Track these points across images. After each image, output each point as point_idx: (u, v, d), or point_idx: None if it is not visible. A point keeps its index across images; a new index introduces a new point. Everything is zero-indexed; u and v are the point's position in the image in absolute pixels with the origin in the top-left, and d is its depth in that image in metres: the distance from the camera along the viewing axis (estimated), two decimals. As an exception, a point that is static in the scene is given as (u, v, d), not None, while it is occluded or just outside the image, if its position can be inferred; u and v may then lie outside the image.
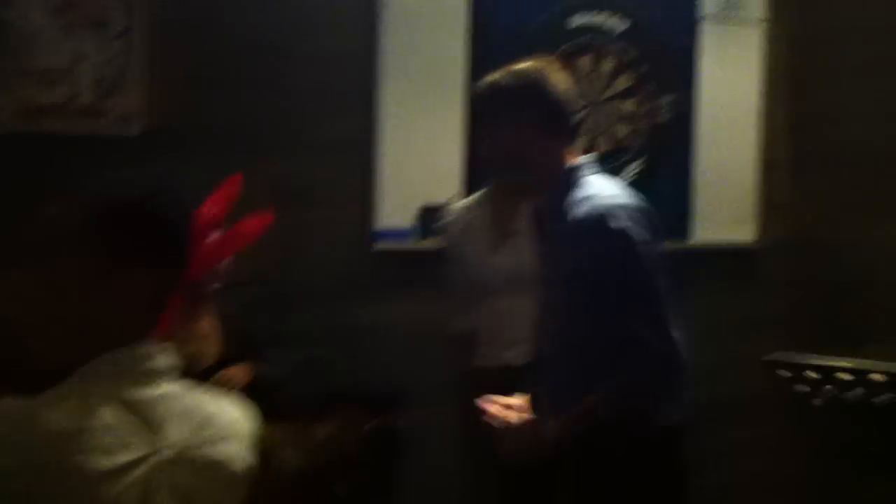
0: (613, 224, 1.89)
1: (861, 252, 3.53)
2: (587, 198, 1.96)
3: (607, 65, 3.54)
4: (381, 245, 3.23)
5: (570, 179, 2.02)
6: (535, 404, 2.07)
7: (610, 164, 3.54)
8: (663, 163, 3.68)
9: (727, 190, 3.79)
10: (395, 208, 3.24)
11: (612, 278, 1.90)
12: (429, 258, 3.06)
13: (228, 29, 3.02)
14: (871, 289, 3.43)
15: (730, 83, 3.78)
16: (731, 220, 3.81)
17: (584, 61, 3.51)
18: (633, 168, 3.61)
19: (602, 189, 2.00)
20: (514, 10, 3.38)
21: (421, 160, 3.26)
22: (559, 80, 2.08)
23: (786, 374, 1.63)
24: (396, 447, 2.65)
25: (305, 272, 3.07)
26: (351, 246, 3.21)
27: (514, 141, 2.03)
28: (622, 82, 3.57)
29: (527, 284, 2.37)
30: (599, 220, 1.90)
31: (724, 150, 3.79)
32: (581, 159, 2.09)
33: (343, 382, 2.76)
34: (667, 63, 3.64)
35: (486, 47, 3.32)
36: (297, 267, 3.04)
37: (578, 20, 3.50)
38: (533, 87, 2.04)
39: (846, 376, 1.58)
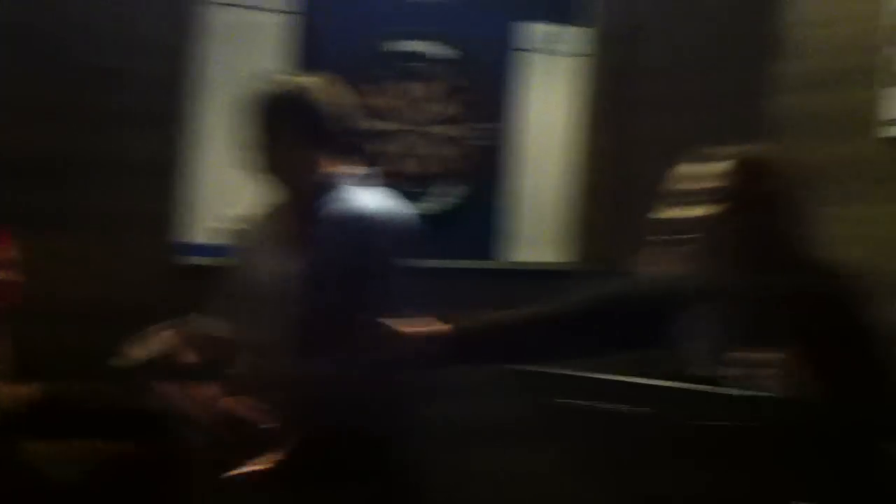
0: (361, 232, 2.01)
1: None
2: (342, 207, 2.07)
3: (433, 90, 3.66)
4: (190, 260, 3.25)
5: (331, 190, 2.11)
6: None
7: (436, 188, 3.70)
8: (486, 186, 3.84)
9: (545, 213, 3.98)
10: (204, 224, 3.25)
11: (352, 282, 1.99)
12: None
13: (43, 52, 2.99)
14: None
15: (548, 112, 3.98)
16: (548, 241, 3.99)
17: (411, 87, 3.62)
18: (459, 191, 3.75)
19: (358, 199, 2.11)
20: (339, 33, 3.47)
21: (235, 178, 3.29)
22: (331, 94, 2.17)
23: (543, 384, 1.77)
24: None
25: (112, 290, 3.06)
26: (159, 262, 3.23)
27: (275, 149, 2.14)
28: (447, 107, 3.70)
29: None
30: (350, 227, 2.02)
31: (542, 175, 3.98)
32: (346, 171, 2.18)
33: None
34: (490, 91, 3.80)
35: (310, 71, 3.39)
36: (104, 286, 3.03)
37: (405, 46, 3.61)
38: (295, 97, 2.15)
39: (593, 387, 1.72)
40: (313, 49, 3.44)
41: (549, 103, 3.98)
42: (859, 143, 3.18)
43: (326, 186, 2.15)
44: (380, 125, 3.59)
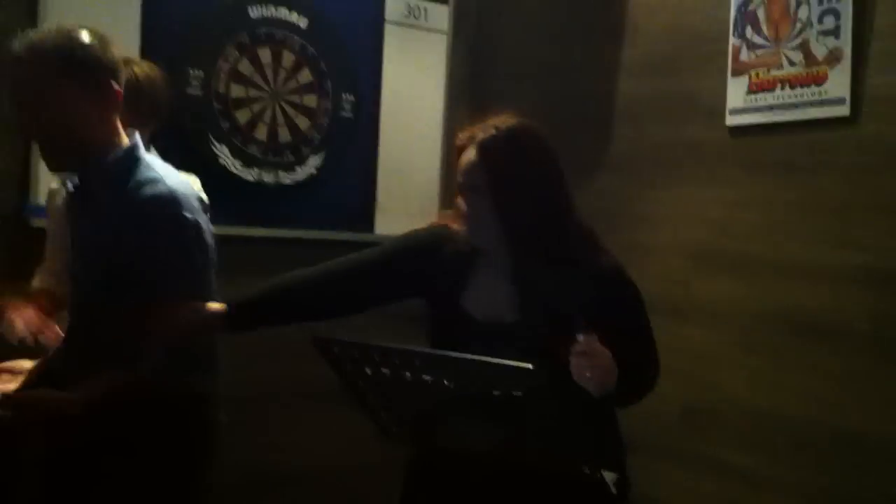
0: (185, 211, 1.95)
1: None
2: (154, 179, 1.97)
3: (288, 59, 3.61)
4: (38, 221, 3.15)
5: (127, 155, 2.00)
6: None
7: (290, 155, 3.66)
8: (347, 156, 3.81)
9: (410, 185, 3.98)
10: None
11: (165, 256, 1.96)
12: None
13: None
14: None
15: (414, 84, 3.98)
16: (413, 213, 3.99)
17: (264, 53, 3.57)
18: (315, 161, 3.72)
19: (168, 173, 2.03)
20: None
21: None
22: (108, 48, 1.97)
23: (336, 352, 1.77)
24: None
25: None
26: (6, 222, 3.13)
27: (47, 104, 1.91)
28: (303, 77, 3.66)
29: None
30: (170, 204, 1.95)
31: (408, 147, 3.98)
32: (136, 136, 2.04)
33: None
34: (349, 62, 3.77)
35: (160, 34, 3.33)
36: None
37: (258, 12, 3.55)
38: (71, 47, 1.90)
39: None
40: (164, 16, 3.36)
41: (411, 76, 3.98)
42: (702, 129, 3.26)
43: (127, 153, 2.03)
44: (236, 92, 3.53)
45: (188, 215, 1.96)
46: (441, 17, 4.03)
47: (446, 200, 4.08)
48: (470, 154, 1.96)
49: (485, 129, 1.98)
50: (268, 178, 3.61)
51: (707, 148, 3.26)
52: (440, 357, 1.71)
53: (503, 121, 1.99)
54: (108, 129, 2.00)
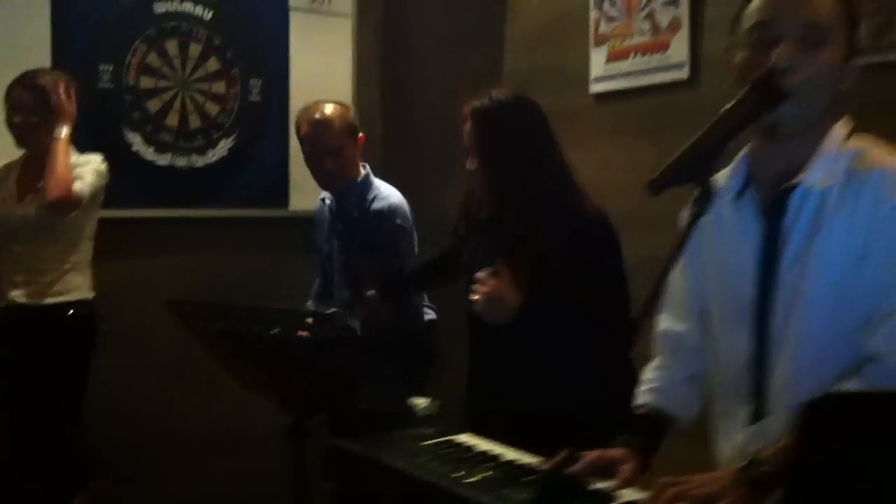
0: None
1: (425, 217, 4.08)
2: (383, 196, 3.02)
3: (194, 49, 3.87)
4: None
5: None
6: None
7: (202, 140, 3.92)
8: (259, 139, 4.07)
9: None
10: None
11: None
12: None
13: None
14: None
15: (323, 67, 4.23)
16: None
17: (171, 45, 3.82)
18: (227, 143, 3.98)
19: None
20: (97, -5, 3.65)
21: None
22: None
23: (188, 311, 2.05)
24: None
25: None
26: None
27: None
28: (210, 65, 3.91)
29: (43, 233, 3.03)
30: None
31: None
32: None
33: None
34: (255, 49, 4.02)
35: (69, 31, 3.58)
36: None
37: (163, 7, 3.80)
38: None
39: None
40: (73, 15, 3.61)
41: (319, 59, 4.23)
42: (572, 97, 3.51)
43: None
44: (146, 84, 3.79)
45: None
46: (345, 1, 4.27)
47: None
48: (466, 124, 2.31)
49: (481, 99, 2.31)
50: (180, 162, 3.88)
51: (577, 114, 3.52)
52: (258, 308, 1.98)
53: (498, 92, 2.34)
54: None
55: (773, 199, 1.53)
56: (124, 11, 3.73)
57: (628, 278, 3.47)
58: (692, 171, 1.34)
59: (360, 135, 3.17)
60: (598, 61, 3.39)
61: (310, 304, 3.39)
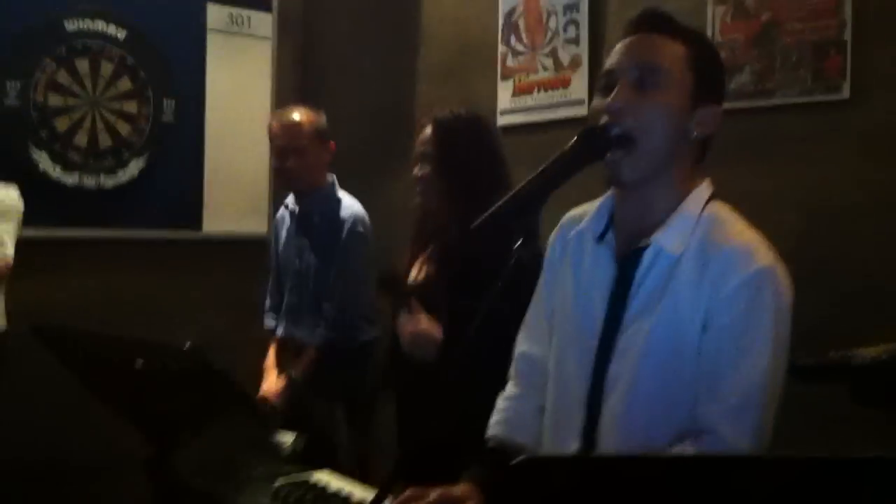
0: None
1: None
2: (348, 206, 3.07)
3: (106, 68, 3.84)
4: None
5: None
6: None
7: (112, 160, 3.88)
8: (172, 160, 4.05)
9: (238, 185, 4.23)
10: None
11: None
12: None
13: None
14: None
15: (241, 89, 4.23)
16: (242, 212, 4.25)
17: (82, 64, 3.79)
18: (138, 164, 3.95)
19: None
20: (8, 11, 3.62)
21: None
22: None
23: (54, 338, 2.02)
24: None
25: None
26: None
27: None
28: (122, 84, 3.89)
29: None
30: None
31: (236, 148, 4.23)
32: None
33: None
34: (170, 69, 4.01)
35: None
36: None
37: (74, 25, 3.77)
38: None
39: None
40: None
41: (237, 81, 4.23)
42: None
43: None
44: (54, 101, 3.75)
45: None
46: (265, 24, 4.28)
47: (276, 201, 4.33)
48: (426, 131, 2.38)
49: (442, 111, 2.42)
50: (89, 182, 3.84)
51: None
52: (126, 339, 1.97)
53: (459, 108, 2.45)
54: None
55: (625, 252, 1.56)
56: (34, 29, 3.69)
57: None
58: (515, 216, 1.37)
59: (331, 143, 3.20)
60: (504, 94, 3.44)
61: (268, 320, 3.34)
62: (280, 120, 3.17)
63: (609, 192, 1.62)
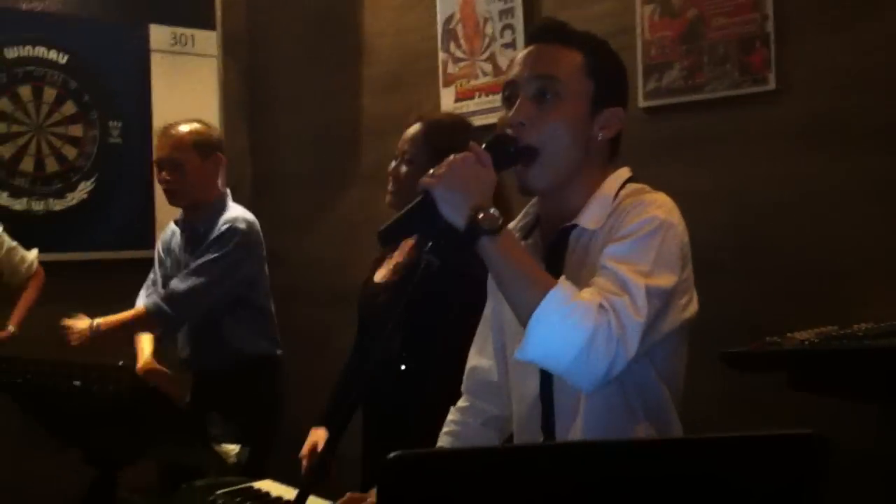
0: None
1: (296, 261, 4.10)
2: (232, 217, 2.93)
3: (49, 93, 3.84)
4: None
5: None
6: None
7: (59, 183, 3.87)
8: (120, 180, 4.04)
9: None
10: None
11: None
12: None
13: None
14: (296, 293, 3.99)
15: (188, 108, 4.20)
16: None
17: (24, 90, 3.79)
18: (87, 186, 3.95)
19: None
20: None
21: None
22: None
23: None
24: None
25: None
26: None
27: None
28: (66, 108, 3.88)
29: None
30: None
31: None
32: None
33: None
34: (114, 91, 4.01)
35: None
36: None
37: (14, 52, 3.77)
38: None
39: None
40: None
41: (183, 100, 4.22)
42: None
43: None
44: (-3, 128, 3.75)
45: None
46: (210, 43, 4.29)
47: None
48: (414, 128, 2.32)
49: (432, 114, 2.48)
50: (37, 206, 3.83)
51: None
52: (60, 362, 1.97)
53: (448, 114, 2.58)
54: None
55: (552, 240, 1.59)
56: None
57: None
58: (420, 223, 1.39)
59: (219, 156, 3.03)
60: (447, 101, 3.46)
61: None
62: (161, 132, 3.06)
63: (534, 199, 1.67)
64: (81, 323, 2.93)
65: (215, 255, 2.90)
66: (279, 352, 3.09)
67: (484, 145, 1.46)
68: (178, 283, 2.91)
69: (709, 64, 2.63)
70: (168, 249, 3.13)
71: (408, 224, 1.40)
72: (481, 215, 1.35)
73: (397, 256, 2.40)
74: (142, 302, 3.08)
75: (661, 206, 1.48)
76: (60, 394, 1.98)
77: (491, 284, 1.70)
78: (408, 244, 2.37)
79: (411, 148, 2.32)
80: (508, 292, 1.41)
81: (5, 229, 3.60)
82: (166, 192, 3.04)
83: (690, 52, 2.66)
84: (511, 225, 1.64)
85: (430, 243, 1.38)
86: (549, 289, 1.34)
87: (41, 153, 3.84)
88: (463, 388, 1.81)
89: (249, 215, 3.04)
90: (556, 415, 1.55)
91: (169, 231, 3.17)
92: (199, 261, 2.90)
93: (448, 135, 2.31)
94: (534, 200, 1.66)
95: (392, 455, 0.75)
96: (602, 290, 1.36)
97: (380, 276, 2.43)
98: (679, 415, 1.56)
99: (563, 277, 1.39)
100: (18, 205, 3.79)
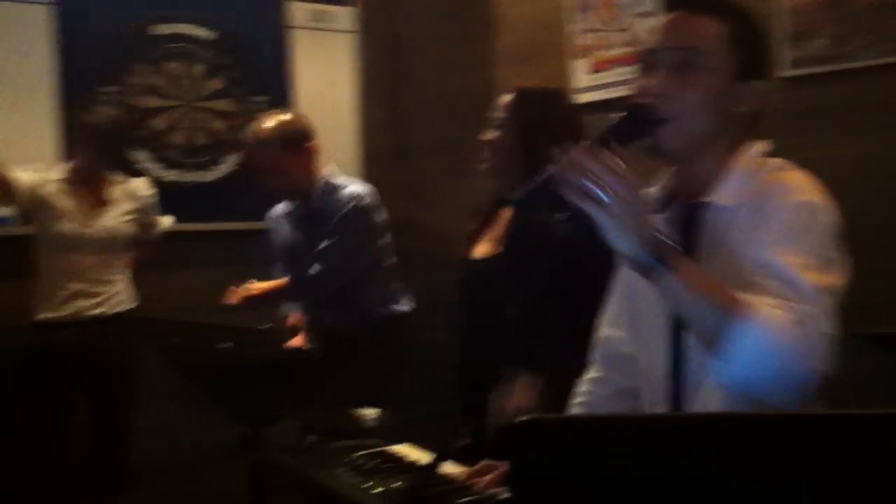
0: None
1: (427, 228, 4.17)
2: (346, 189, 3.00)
3: (198, 69, 4.01)
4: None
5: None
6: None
7: (208, 156, 4.05)
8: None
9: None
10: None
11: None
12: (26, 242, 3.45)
13: None
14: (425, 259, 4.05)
15: (326, 82, 4.34)
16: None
17: (174, 66, 3.97)
18: (234, 159, 4.11)
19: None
20: (99, 18, 3.81)
21: (16, 152, 3.60)
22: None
23: (145, 329, 2.16)
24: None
25: None
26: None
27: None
28: (214, 84, 4.05)
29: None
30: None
31: (324, 140, 4.33)
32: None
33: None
34: (258, 67, 4.15)
35: (74, 55, 3.73)
36: None
37: (165, 29, 3.95)
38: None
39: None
40: (77, 40, 3.77)
41: (322, 75, 4.34)
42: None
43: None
44: (149, 102, 3.94)
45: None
46: (346, 19, 4.38)
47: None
48: (505, 98, 2.39)
49: (525, 84, 2.46)
50: (187, 178, 4.02)
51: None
52: (209, 325, 2.09)
53: (542, 86, 2.51)
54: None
55: (686, 214, 1.57)
56: (126, 34, 3.88)
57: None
58: (553, 196, 1.39)
59: (311, 143, 3.08)
60: (581, 73, 3.45)
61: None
62: (248, 139, 3.11)
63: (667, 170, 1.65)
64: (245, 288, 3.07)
65: (344, 236, 2.99)
66: (408, 309, 3.17)
67: (625, 110, 1.45)
68: (312, 267, 3.00)
69: (855, 32, 2.52)
70: (281, 226, 3.22)
71: (544, 194, 1.41)
72: (659, 248, 1.33)
73: (497, 230, 2.41)
74: (277, 278, 3.18)
75: (810, 191, 1.44)
76: (211, 355, 2.11)
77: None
78: (504, 216, 2.38)
79: (503, 116, 2.34)
80: (693, 319, 1.39)
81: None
82: (278, 194, 3.13)
83: (837, 19, 2.56)
84: (646, 195, 1.63)
85: (570, 213, 1.39)
86: (739, 311, 1.31)
87: (191, 127, 4.02)
88: (593, 358, 1.80)
89: (366, 187, 3.11)
90: (684, 388, 1.54)
91: (280, 208, 3.25)
92: (328, 242, 2.99)
93: (540, 104, 2.34)
94: (667, 172, 1.64)
95: (523, 418, 0.77)
96: (787, 303, 1.32)
97: (480, 251, 2.45)
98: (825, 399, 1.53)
99: (753, 299, 1.33)
100: (170, 176, 3.98)
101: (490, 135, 2.36)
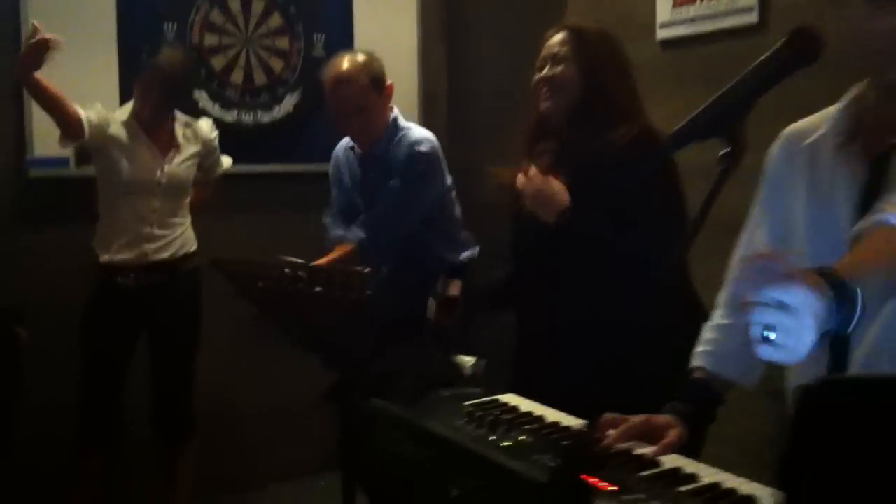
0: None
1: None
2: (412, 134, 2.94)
3: (257, 6, 3.87)
4: (36, 172, 3.50)
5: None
6: None
7: (267, 96, 3.93)
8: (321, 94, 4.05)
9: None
10: (50, 137, 3.46)
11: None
12: (83, 184, 3.37)
13: None
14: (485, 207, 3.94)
15: (387, 23, 4.19)
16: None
17: (234, 2, 3.83)
18: (292, 99, 3.99)
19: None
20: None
21: (78, 93, 3.51)
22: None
23: (233, 270, 2.07)
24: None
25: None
26: (5, 173, 3.48)
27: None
28: (273, 21, 3.91)
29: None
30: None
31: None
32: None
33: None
34: (318, 4, 4.01)
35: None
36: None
37: (226, -36, 3.81)
38: None
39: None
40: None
41: (383, 15, 4.19)
42: (640, 46, 3.40)
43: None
44: (210, 41, 3.81)
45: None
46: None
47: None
48: (558, 35, 2.29)
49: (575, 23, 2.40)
50: (247, 118, 3.91)
51: (643, 64, 3.40)
52: (301, 265, 1.99)
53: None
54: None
55: (881, 153, 1.44)
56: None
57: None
58: (717, 125, 1.27)
59: (391, 86, 3.00)
60: (664, 7, 3.28)
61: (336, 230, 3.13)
62: (332, 78, 2.94)
63: (839, 103, 1.53)
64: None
65: (408, 182, 2.92)
66: (476, 253, 3.08)
67: (789, 34, 1.31)
68: (376, 213, 2.96)
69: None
70: (343, 171, 3.14)
71: (704, 128, 1.29)
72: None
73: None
74: (333, 231, 3.10)
75: None
76: (301, 298, 2.01)
77: (773, 176, 1.59)
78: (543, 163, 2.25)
79: (561, 50, 2.23)
80: None
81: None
82: (355, 138, 3.01)
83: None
84: (815, 133, 1.51)
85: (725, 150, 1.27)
86: None
87: (250, 65, 3.89)
88: (721, 300, 1.69)
89: (428, 133, 3.02)
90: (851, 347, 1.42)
91: (341, 151, 3.16)
92: (393, 189, 2.92)
93: (595, 42, 2.26)
94: (837, 105, 1.52)
95: (814, 382, 0.66)
96: None
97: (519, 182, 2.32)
98: None
99: None
100: (229, 116, 3.87)
101: (549, 70, 2.24)
